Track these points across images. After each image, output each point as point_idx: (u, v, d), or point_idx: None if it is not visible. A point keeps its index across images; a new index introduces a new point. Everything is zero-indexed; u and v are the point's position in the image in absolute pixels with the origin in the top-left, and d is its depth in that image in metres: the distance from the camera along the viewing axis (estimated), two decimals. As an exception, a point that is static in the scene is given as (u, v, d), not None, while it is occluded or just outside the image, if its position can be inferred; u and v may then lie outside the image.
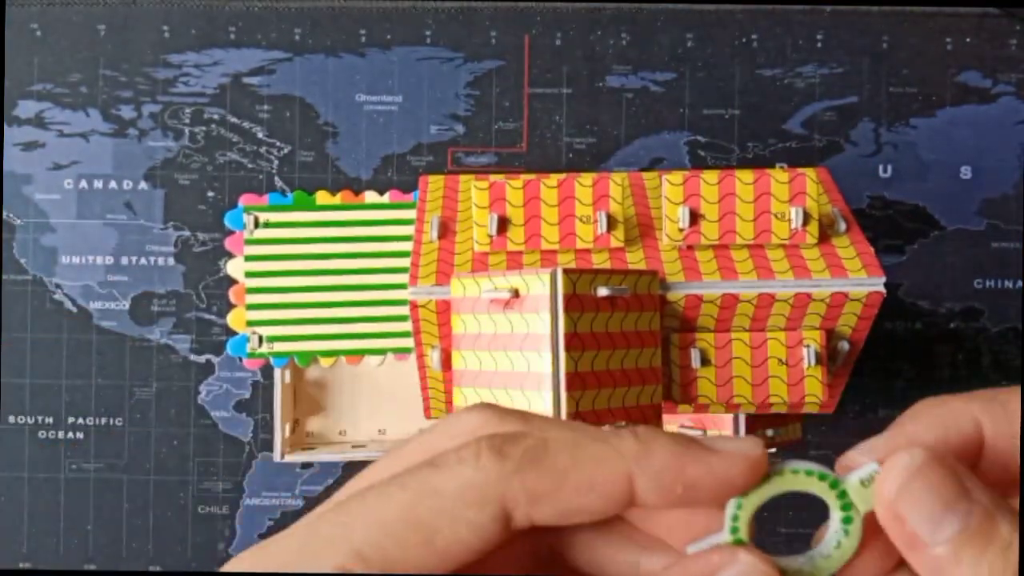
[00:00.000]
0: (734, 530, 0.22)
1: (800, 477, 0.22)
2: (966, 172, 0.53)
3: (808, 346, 0.39)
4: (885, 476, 0.21)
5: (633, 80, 0.53)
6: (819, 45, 0.53)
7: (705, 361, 0.40)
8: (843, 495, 0.22)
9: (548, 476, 0.21)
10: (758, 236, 0.40)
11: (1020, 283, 0.53)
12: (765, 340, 0.40)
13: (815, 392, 0.39)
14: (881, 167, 0.53)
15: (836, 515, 0.22)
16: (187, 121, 0.53)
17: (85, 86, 0.53)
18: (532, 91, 0.53)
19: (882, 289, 0.38)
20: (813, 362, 0.39)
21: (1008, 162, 0.53)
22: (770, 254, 0.40)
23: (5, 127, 0.53)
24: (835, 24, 0.53)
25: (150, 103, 0.53)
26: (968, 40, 0.53)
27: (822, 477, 0.22)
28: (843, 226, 0.41)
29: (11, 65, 0.52)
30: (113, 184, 0.53)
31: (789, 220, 0.40)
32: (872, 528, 0.22)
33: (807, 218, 0.40)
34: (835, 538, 0.22)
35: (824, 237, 0.41)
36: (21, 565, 0.53)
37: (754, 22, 0.53)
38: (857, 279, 0.39)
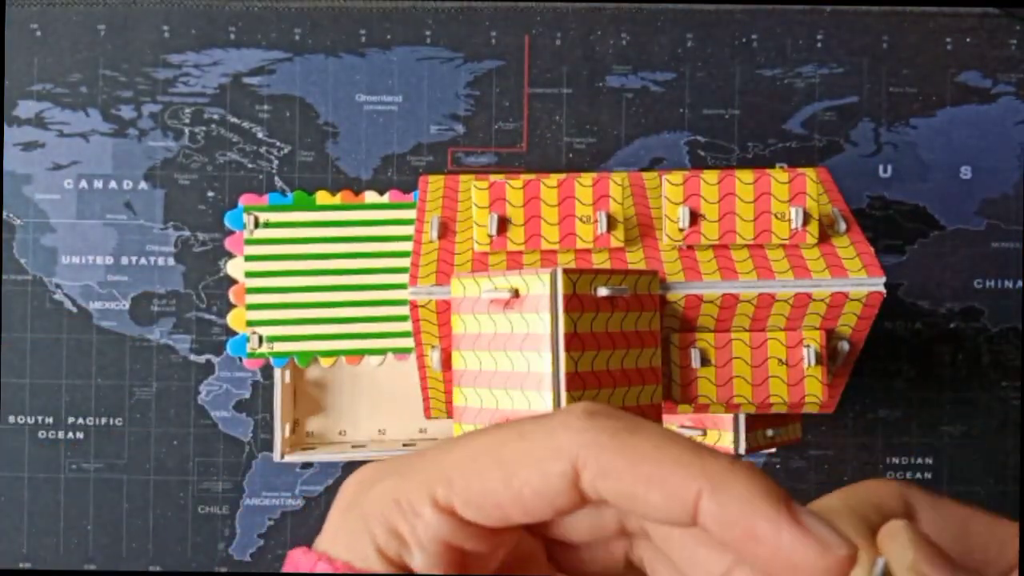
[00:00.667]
0: None
1: None
2: (966, 172, 0.53)
3: (808, 346, 0.39)
4: (889, 548, 0.22)
5: (633, 80, 0.53)
6: (819, 45, 0.53)
7: (705, 361, 0.40)
8: None
9: (625, 455, 0.21)
10: (758, 236, 0.40)
11: (1020, 283, 0.53)
12: (765, 340, 0.40)
13: (815, 392, 0.39)
14: (881, 167, 0.53)
15: None
16: (187, 121, 0.53)
17: (85, 86, 0.53)
18: (532, 91, 0.53)
19: (882, 289, 0.38)
20: (813, 362, 0.39)
21: (1008, 162, 0.53)
22: (770, 254, 0.40)
23: (5, 127, 0.53)
24: (835, 24, 0.53)
25: (150, 103, 0.53)
26: (968, 40, 0.53)
27: None
28: (843, 226, 0.41)
29: (11, 65, 0.52)
30: (113, 184, 0.53)
31: (789, 220, 0.40)
32: None
33: (807, 218, 0.40)
34: None
35: (824, 237, 0.41)
36: (21, 565, 0.53)
37: (754, 22, 0.53)
38: (857, 279, 0.39)
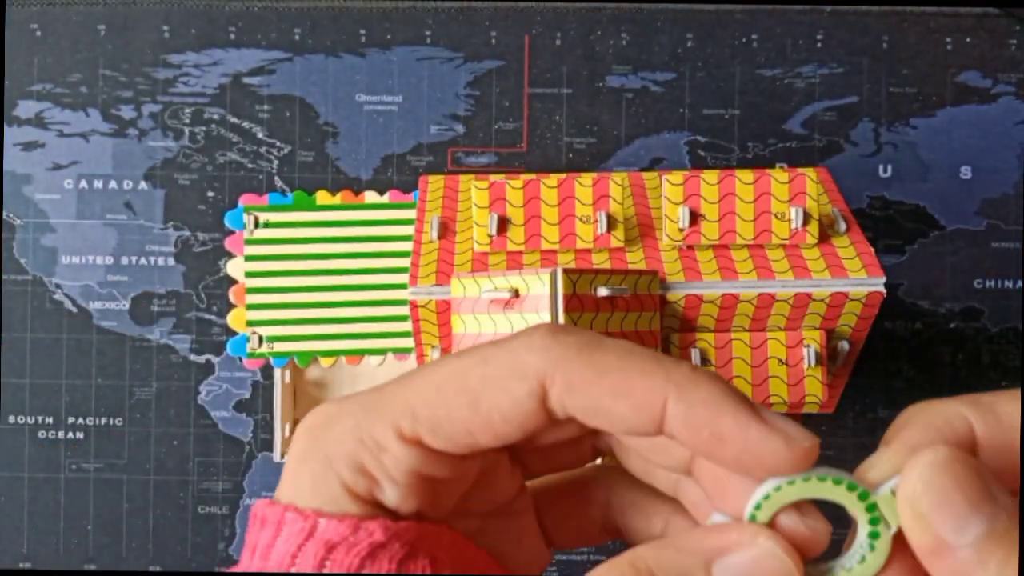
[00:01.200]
0: (757, 507, 0.21)
1: (827, 485, 0.20)
2: (966, 172, 0.53)
3: (808, 346, 0.39)
4: (909, 474, 0.20)
5: (633, 80, 0.53)
6: (819, 45, 0.53)
7: (705, 361, 0.40)
8: (872, 508, 0.21)
9: (590, 369, 0.21)
10: (758, 236, 0.40)
11: (1020, 283, 0.53)
12: (765, 340, 0.40)
13: (815, 392, 0.39)
14: (881, 167, 0.53)
15: (863, 529, 0.21)
16: (187, 121, 0.53)
17: (85, 86, 0.53)
18: (532, 91, 0.53)
19: (882, 289, 0.39)
20: (813, 362, 0.39)
21: (1008, 162, 0.53)
22: (770, 254, 0.40)
23: (5, 127, 0.53)
24: (835, 24, 0.53)
25: (150, 103, 0.53)
26: (968, 40, 0.53)
27: (851, 487, 0.21)
28: (843, 226, 0.41)
29: (11, 65, 0.52)
30: (113, 184, 0.53)
31: (789, 220, 0.40)
32: (900, 547, 0.21)
33: (807, 218, 0.40)
34: (859, 552, 0.21)
35: (824, 237, 0.41)
36: (21, 565, 0.53)
37: (754, 22, 0.53)
38: (857, 279, 0.39)
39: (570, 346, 0.22)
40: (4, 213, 0.53)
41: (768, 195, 0.40)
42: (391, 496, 0.24)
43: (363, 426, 0.23)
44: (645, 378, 0.21)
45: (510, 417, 0.22)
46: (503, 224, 0.41)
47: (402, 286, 0.50)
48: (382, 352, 0.51)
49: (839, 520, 0.22)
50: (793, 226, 0.40)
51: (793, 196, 0.40)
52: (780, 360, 0.40)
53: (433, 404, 0.23)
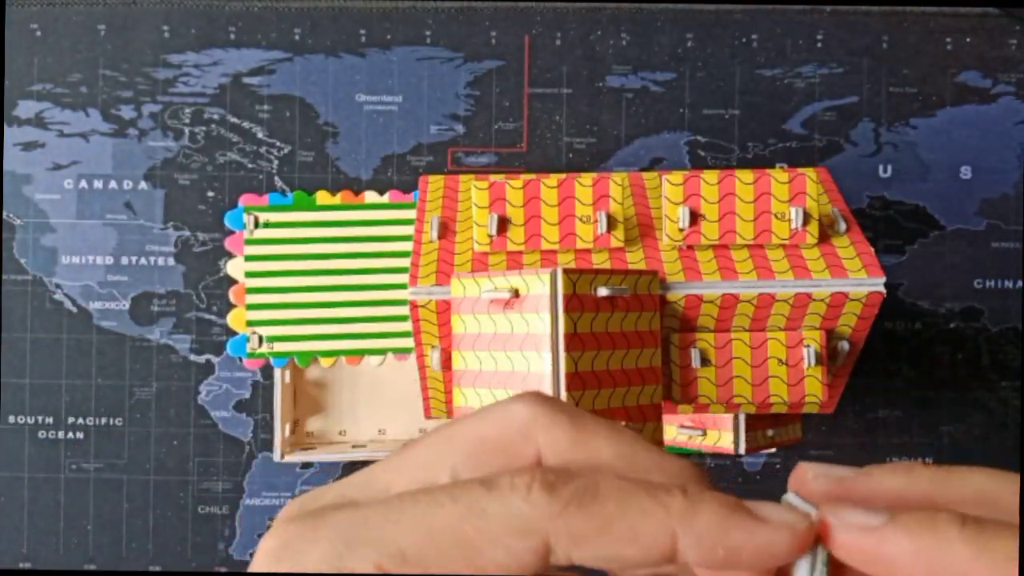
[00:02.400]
0: None
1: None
2: (966, 172, 0.53)
3: (808, 346, 0.39)
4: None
5: (633, 80, 0.53)
6: (819, 45, 0.53)
7: (705, 361, 0.40)
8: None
9: (594, 521, 0.22)
10: (758, 236, 0.40)
11: (1020, 283, 0.53)
12: (765, 340, 0.40)
13: (815, 392, 0.39)
14: (881, 167, 0.53)
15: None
16: (187, 121, 0.53)
17: (85, 86, 0.53)
18: (532, 91, 0.53)
19: (882, 289, 0.38)
20: (813, 362, 0.39)
21: (1008, 162, 0.53)
22: (770, 254, 0.40)
23: (5, 127, 0.53)
24: (835, 24, 0.53)
25: (150, 103, 0.53)
26: (968, 40, 0.53)
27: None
28: (843, 226, 0.41)
29: (11, 65, 0.52)
30: (113, 184, 0.53)
31: (789, 220, 0.40)
32: None
33: (807, 218, 0.40)
34: None
35: (824, 237, 0.41)
36: (21, 565, 0.53)
37: (754, 22, 0.53)
38: (857, 279, 0.39)
39: (566, 498, 0.22)
40: (4, 213, 0.53)
41: (768, 195, 0.40)
42: None
43: (344, 559, 0.22)
44: (648, 519, 0.22)
45: (509, 570, 0.22)
46: (503, 224, 0.41)
47: (402, 286, 0.50)
48: (382, 352, 0.51)
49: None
50: (793, 226, 0.40)
51: (793, 196, 0.40)
52: (780, 360, 0.40)
53: (425, 553, 0.22)
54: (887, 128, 0.53)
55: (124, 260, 0.53)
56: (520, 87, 0.53)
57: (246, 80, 0.53)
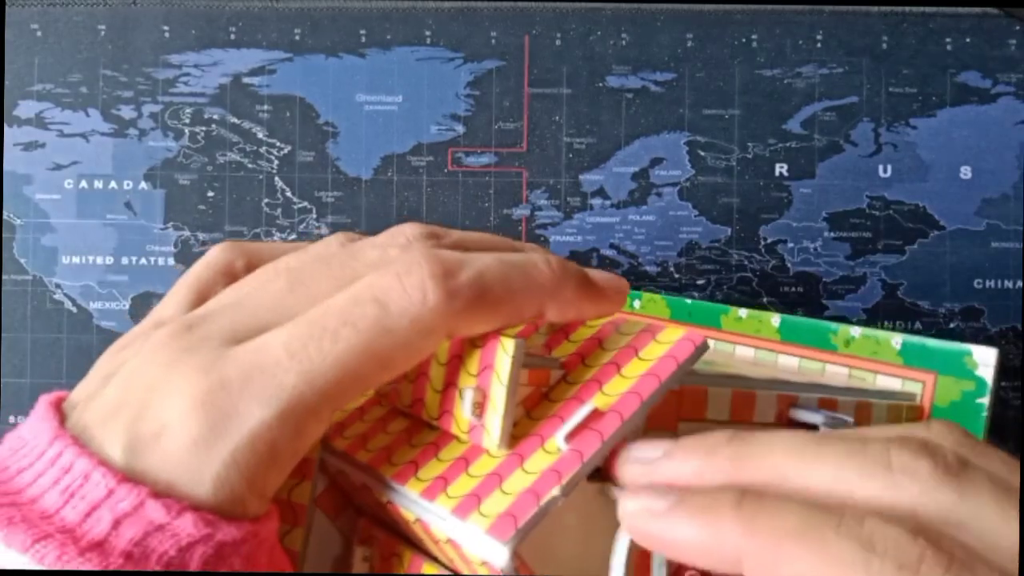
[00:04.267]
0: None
1: None
2: (966, 172, 0.53)
3: None
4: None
5: (633, 80, 0.53)
6: (819, 45, 0.53)
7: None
8: None
9: (485, 309, 0.25)
10: (440, 417, 0.27)
11: (1020, 283, 0.53)
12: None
13: None
14: (881, 167, 0.53)
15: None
16: (187, 121, 0.53)
17: (85, 86, 0.53)
18: (532, 91, 0.53)
19: (496, 566, 0.23)
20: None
21: (1008, 162, 0.53)
22: (444, 453, 0.27)
23: (5, 127, 0.53)
24: (835, 24, 0.53)
25: (150, 103, 0.53)
26: (968, 40, 0.53)
27: None
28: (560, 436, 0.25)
29: (11, 65, 0.53)
30: (113, 184, 0.53)
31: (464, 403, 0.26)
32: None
33: (485, 406, 0.26)
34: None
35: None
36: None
37: (754, 22, 0.53)
38: (474, 531, 0.23)
39: (462, 298, 0.24)
40: (4, 213, 0.53)
41: (458, 358, 0.27)
42: (271, 488, 0.24)
43: (275, 430, 0.23)
44: (527, 298, 0.26)
45: (420, 358, 0.25)
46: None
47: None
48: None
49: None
50: (466, 415, 0.26)
51: (482, 368, 0.26)
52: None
53: (345, 385, 0.23)
54: (887, 128, 0.53)
55: (124, 260, 0.53)
56: (520, 87, 0.53)
57: (246, 80, 0.53)
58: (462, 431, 0.26)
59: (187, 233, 0.53)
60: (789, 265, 0.53)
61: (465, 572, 0.25)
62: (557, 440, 0.24)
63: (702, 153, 0.53)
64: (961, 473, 0.19)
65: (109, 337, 0.52)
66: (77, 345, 0.52)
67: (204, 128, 0.53)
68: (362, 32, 0.53)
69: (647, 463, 0.22)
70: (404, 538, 0.28)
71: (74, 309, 0.52)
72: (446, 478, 0.25)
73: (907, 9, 0.53)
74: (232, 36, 0.53)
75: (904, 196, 0.53)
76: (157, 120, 0.53)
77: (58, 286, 0.52)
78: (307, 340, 0.23)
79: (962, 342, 0.35)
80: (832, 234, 0.53)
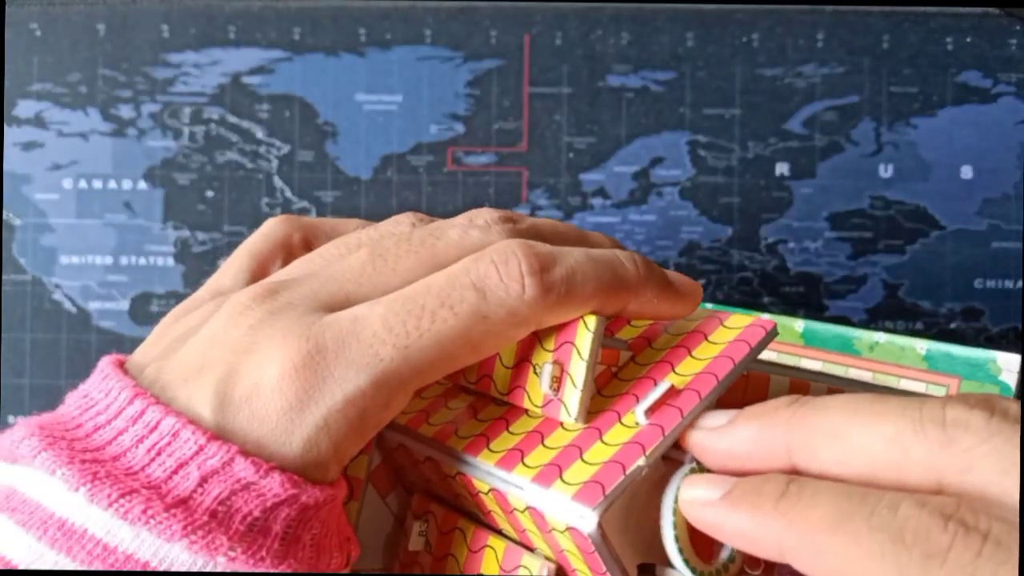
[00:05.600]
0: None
1: None
2: (967, 172, 0.53)
3: None
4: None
5: (633, 80, 0.53)
6: (820, 45, 0.53)
7: (427, 544, 0.30)
8: None
9: (575, 304, 0.26)
10: (511, 393, 0.28)
11: (1020, 283, 0.53)
12: (484, 546, 0.28)
13: None
14: (882, 167, 0.53)
15: None
16: (186, 121, 0.53)
17: (84, 86, 0.53)
18: (532, 91, 0.53)
19: (585, 528, 0.23)
20: None
21: (1009, 162, 0.53)
22: (516, 427, 0.27)
23: (5, 127, 0.53)
24: (836, 23, 0.53)
25: (149, 103, 0.53)
26: (968, 40, 0.53)
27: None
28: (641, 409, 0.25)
29: (10, 65, 0.52)
30: (112, 184, 0.53)
31: (540, 378, 0.27)
32: None
33: (565, 381, 0.26)
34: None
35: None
36: (20, 566, 0.52)
37: (755, 22, 0.53)
38: (560, 498, 0.24)
39: (556, 294, 0.25)
40: (3, 213, 0.52)
41: (535, 337, 0.27)
42: (350, 456, 0.24)
43: (368, 398, 0.23)
44: (613, 297, 0.26)
45: (501, 348, 0.26)
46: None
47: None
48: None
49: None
50: (544, 388, 0.26)
51: (559, 344, 0.26)
52: None
53: (437, 364, 0.24)
54: (888, 128, 0.53)
55: (124, 260, 0.52)
56: (520, 87, 0.53)
57: (245, 80, 0.53)
58: (535, 405, 0.27)
59: (186, 233, 0.53)
60: (790, 265, 0.52)
61: (539, 543, 0.25)
62: (636, 415, 0.24)
63: (703, 153, 0.53)
64: (1018, 423, 0.18)
65: (108, 337, 0.52)
66: (76, 345, 0.52)
67: (203, 128, 0.53)
68: (362, 31, 0.53)
69: (712, 429, 0.23)
70: (465, 513, 0.29)
71: (73, 309, 0.52)
72: (522, 450, 0.26)
73: (907, 9, 0.53)
74: (232, 35, 0.53)
75: (905, 196, 0.53)
76: (156, 120, 0.53)
77: (57, 286, 0.52)
78: (406, 316, 0.24)
79: (987, 348, 0.35)
80: (833, 234, 0.52)
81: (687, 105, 0.53)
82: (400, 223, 0.29)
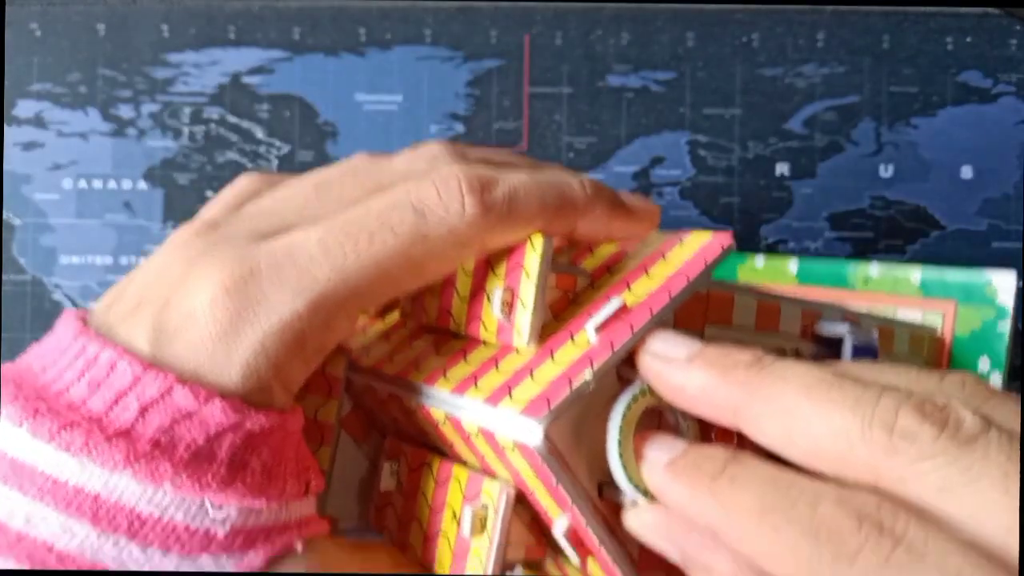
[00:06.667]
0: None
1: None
2: (967, 172, 0.53)
3: (472, 504, 0.26)
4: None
5: (633, 79, 0.53)
6: (820, 44, 0.53)
7: (399, 483, 0.29)
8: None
9: (519, 224, 0.25)
10: (469, 325, 0.27)
11: (1020, 283, 0.53)
12: (449, 477, 0.27)
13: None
14: (882, 167, 0.53)
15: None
16: (186, 121, 0.53)
17: (84, 86, 0.53)
18: (532, 91, 0.53)
19: (531, 443, 0.23)
20: (468, 531, 0.25)
21: (1009, 162, 0.53)
22: (475, 355, 0.27)
23: (5, 127, 0.53)
24: (836, 23, 0.53)
25: (149, 103, 0.53)
26: (969, 40, 0.53)
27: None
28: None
29: (10, 64, 0.52)
30: (112, 184, 0.53)
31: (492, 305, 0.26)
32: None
33: (515, 304, 0.26)
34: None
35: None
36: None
37: (755, 22, 0.53)
38: (509, 414, 0.24)
39: (496, 211, 0.25)
40: (3, 213, 0.52)
41: (486, 264, 0.27)
42: (295, 382, 0.24)
43: (305, 320, 0.23)
44: (559, 216, 0.26)
45: (452, 269, 0.26)
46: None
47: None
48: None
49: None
50: (496, 314, 0.26)
51: (510, 268, 0.26)
52: (454, 513, 0.27)
53: (377, 285, 0.24)
54: (888, 128, 0.53)
55: (123, 260, 0.52)
56: (520, 87, 0.53)
57: (245, 79, 0.53)
58: (490, 334, 0.26)
59: (186, 233, 0.52)
60: (790, 265, 0.52)
61: (499, 468, 0.25)
62: (587, 332, 0.24)
63: (703, 153, 0.53)
64: (969, 443, 0.18)
65: (108, 337, 0.52)
66: (76, 345, 0.52)
67: (203, 128, 0.53)
68: (362, 31, 0.53)
69: (668, 361, 0.23)
70: (433, 449, 0.28)
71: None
72: (476, 375, 0.25)
73: (907, 9, 0.53)
74: (231, 35, 0.53)
75: (905, 196, 0.53)
76: (156, 120, 0.53)
77: (57, 286, 0.52)
78: (343, 238, 0.24)
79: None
80: (833, 234, 0.52)
81: (687, 105, 0.53)
82: (353, 159, 0.29)
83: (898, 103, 0.53)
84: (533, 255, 0.25)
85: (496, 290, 0.26)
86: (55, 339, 0.24)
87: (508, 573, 0.26)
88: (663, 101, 0.53)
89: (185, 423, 0.22)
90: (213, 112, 0.53)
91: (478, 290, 0.27)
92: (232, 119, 0.53)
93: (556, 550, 0.26)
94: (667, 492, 0.22)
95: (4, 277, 0.52)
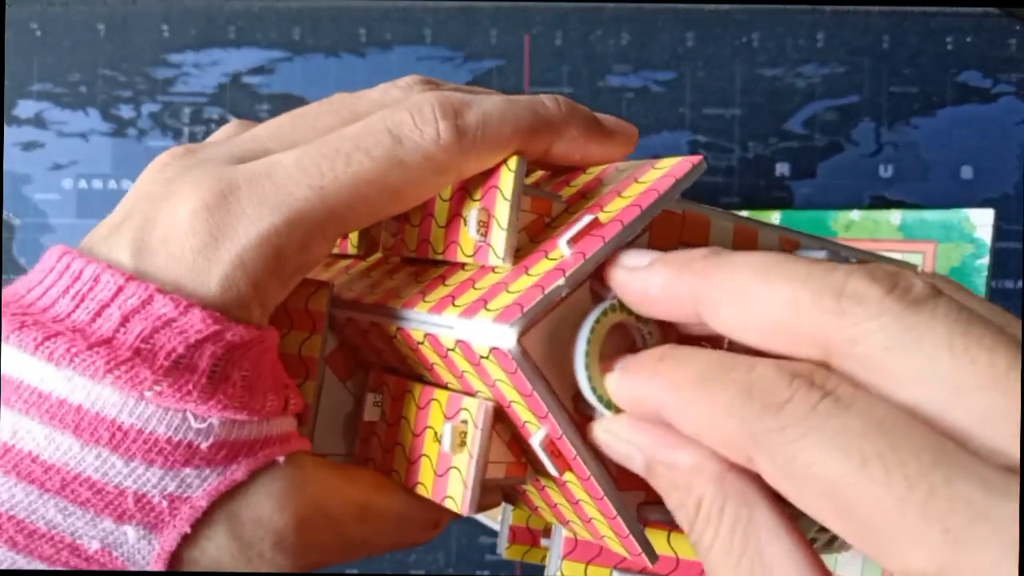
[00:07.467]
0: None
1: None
2: (967, 172, 0.53)
3: (452, 420, 0.26)
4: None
5: (633, 80, 0.53)
6: (820, 45, 0.53)
7: (383, 413, 0.30)
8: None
9: (494, 147, 0.25)
10: (446, 249, 0.28)
11: (1020, 283, 0.53)
12: (431, 400, 0.27)
13: (455, 492, 0.26)
14: (882, 167, 0.53)
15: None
16: (186, 121, 0.53)
17: (84, 86, 0.53)
18: (532, 91, 0.53)
19: (504, 346, 0.23)
20: (448, 446, 0.25)
21: (1009, 162, 0.53)
22: (455, 277, 0.28)
23: (5, 127, 0.53)
24: (836, 24, 0.53)
25: (149, 103, 0.53)
26: (968, 40, 0.53)
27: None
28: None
29: (10, 65, 0.52)
30: (112, 184, 0.53)
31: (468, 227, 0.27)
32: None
33: (491, 225, 0.26)
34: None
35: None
36: (19, 566, 0.52)
37: (755, 22, 0.53)
38: (483, 325, 0.24)
39: (471, 136, 0.25)
40: (3, 213, 0.52)
41: (463, 191, 0.27)
42: (272, 300, 0.25)
43: (283, 235, 0.23)
44: (533, 138, 0.26)
45: (430, 196, 0.26)
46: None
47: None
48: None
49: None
50: (473, 235, 0.26)
51: (485, 191, 0.27)
52: (435, 434, 0.27)
53: (356, 207, 0.24)
54: (888, 128, 0.53)
55: (123, 260, 0.52)
56: (520, 87, 0.53)
57: (246, 80, 0.53)
58: (467, 255, 0.27)
59: (186, 233, 0.52)
60: (790, 265, 0.53)
61: (477, 384, 0.25)
62: (560, 247, 0.24)
63: (703, 153, 0.53)
64: (916, 303, 0.18)
65: (108, 337, 0.52)
66: (76, 345, 0.52)
67: (203, 128, 0.53)
68: (362, 31, 0.53)
69: (631, 269, 0.23)
70: (415, 378, 0.29)
71: (73, 309, 0.52)
72: (453, 295, 0.26)
73: (907, 9, 0.53)
74: (232, 35, 0.53)
75: (905, 195, 0.53)
76: (156, 120, 0.53)
77: (57, 286, 0.52)
78: (320, 160, 0.24)
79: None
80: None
81: (687, 105, 0.53)
82: (332, 95, 0.30)
83: (898, 103, 0.53)
84: (508, 175, 0.26)
85: (472, 212, 0.26)
86: (40, 265, 0.25)
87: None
88: (663, 101, 0.53)
89: (165, 331, 0.22)
90: (213, 112, 0.53)
91: (455, 215, 0.27)
92: (232, 119, 0.53)
93: (538, 471, 0.26)
94: (621, 390, 0.23)
95: (4, 277, 0.52)
